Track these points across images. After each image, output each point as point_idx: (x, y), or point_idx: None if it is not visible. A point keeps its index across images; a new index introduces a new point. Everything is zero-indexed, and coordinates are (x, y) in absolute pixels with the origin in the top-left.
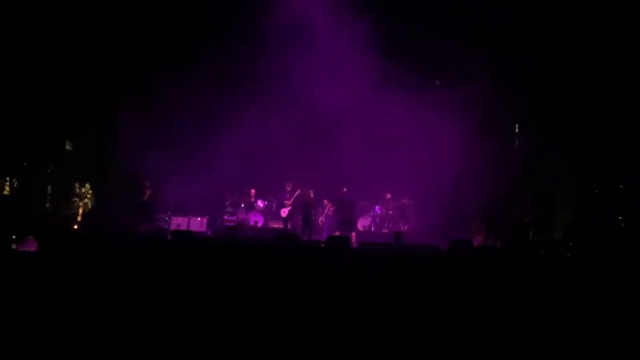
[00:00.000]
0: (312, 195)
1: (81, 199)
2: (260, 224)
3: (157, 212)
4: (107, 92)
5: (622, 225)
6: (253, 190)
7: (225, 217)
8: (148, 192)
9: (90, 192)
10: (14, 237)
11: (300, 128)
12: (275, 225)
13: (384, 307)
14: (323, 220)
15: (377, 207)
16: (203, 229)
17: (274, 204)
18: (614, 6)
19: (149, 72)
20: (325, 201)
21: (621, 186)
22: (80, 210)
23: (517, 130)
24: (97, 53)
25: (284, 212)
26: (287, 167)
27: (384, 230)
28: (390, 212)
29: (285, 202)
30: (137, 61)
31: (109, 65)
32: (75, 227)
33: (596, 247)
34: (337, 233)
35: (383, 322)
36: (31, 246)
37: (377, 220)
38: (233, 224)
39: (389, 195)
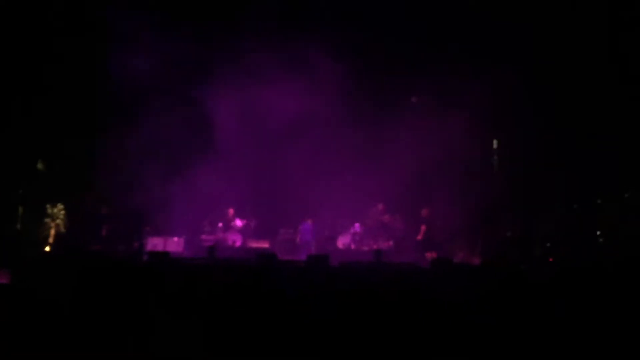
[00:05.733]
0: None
1: (53, 220)
2: (238, 244)
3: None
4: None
5: (600, 240)
6: (231, 210)
7: (203, 236)
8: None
9: (62, 212)
10: None
11: (277, 142)
12: (254, 245)
13: (363, 326)
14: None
15: (356, 225)
16: (180, 249)
17: (252, 224)
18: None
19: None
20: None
21: (599, 201)
22: (53, 232)
23: (495, 146)
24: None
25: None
26: (267, 186)
27: (365, 248)
28: (372, 228)
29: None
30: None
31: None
32: (48, 249)
33: (575, 263)
34: None
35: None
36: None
37: (357, 238)
38: (211, 243)
39: (381, 207)
